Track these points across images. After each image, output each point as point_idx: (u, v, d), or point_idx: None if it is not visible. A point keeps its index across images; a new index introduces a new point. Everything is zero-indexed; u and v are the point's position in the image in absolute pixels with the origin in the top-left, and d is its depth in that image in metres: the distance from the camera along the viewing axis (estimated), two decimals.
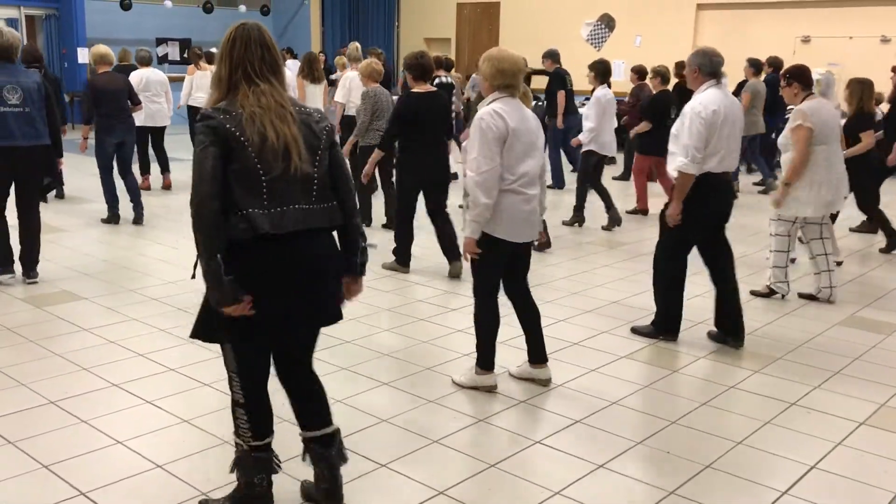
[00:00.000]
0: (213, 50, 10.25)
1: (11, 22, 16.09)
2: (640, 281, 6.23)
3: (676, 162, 4.86)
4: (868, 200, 7.79)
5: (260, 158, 2.68)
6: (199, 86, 11.14)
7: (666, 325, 5.22)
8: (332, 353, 4.73)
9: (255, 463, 2.98)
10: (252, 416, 2.95)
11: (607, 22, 11.33)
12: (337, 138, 3.06)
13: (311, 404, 3.09)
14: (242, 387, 2.93)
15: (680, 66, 10.37)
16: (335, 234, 2.97)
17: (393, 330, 5.28)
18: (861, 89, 7.29)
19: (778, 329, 5.48)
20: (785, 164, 5.86)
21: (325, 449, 3.04)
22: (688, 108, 4.89)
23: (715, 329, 5.25)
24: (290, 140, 2.72)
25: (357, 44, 11.08)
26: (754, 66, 11.01)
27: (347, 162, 3.11)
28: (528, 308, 4.43)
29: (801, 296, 6.22)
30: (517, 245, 4.21)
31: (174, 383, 4.31)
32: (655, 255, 5.24)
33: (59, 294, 5.84)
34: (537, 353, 4.46)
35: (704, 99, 4.85)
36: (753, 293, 6.21)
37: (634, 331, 5.32)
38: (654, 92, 9.36)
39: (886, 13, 13.37)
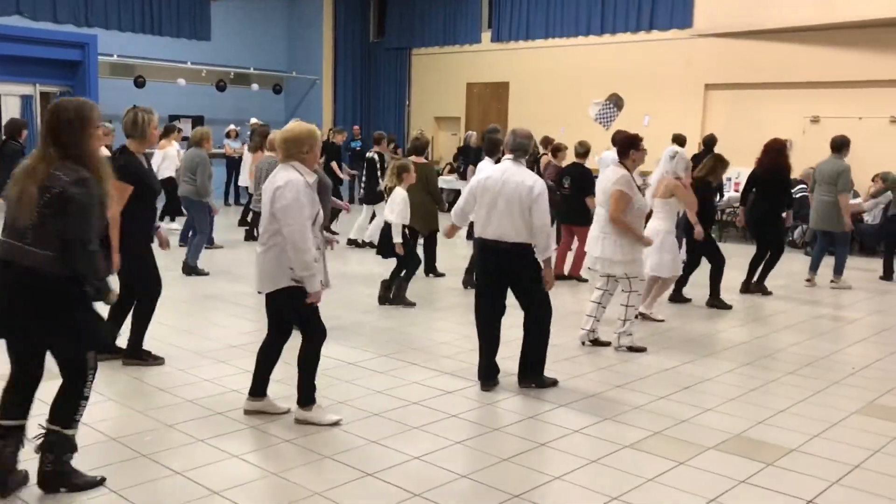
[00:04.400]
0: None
1: (27, 99, 16.39)
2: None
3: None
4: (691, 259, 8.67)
5: (8, 203, 3.64)
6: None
7: (482, 371, 5.67)
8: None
9: None
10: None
11: (616, 101, 11.42)
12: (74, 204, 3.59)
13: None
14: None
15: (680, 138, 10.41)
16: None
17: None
18: (714, 163, 8.53)
19: (791, 418, 5.26)
20: (600, 216, 6.69)
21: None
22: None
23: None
24: (24, 194, 3.56)
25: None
26: (707, 143, 12.37)
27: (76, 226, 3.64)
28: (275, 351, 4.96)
29: (594, 343, 6.84)
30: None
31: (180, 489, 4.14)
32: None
33: None
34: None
35: (485, 168, 5.87)
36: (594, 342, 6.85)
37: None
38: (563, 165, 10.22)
39: (895, 94, 13.39)
